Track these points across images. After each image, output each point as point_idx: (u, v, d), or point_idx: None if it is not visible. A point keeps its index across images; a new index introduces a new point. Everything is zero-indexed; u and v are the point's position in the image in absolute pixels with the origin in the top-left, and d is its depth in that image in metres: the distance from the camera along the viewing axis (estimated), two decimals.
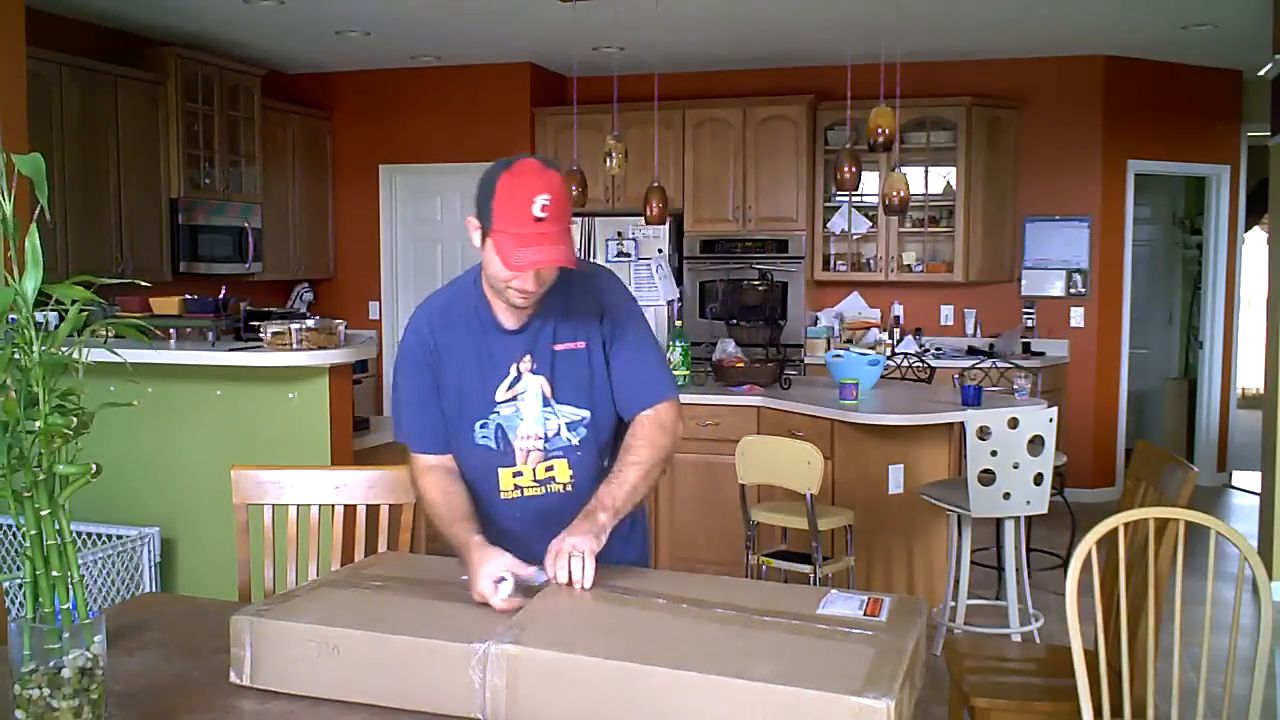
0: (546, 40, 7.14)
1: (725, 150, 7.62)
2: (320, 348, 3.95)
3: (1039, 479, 4.19)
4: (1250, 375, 8.68)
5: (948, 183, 7.46)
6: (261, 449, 4.00)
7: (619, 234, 7.57)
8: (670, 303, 7.15)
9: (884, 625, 1.71)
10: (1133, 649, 2.32)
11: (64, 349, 1.52)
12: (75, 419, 1.50)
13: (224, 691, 1.74)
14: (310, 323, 4.01)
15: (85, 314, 1.54)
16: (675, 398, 2.22)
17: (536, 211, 1.91)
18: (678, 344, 5.38)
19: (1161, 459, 2.70)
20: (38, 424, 1.47)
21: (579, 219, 7.54)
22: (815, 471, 4.01)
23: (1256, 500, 6.20)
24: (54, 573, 1.52)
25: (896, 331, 7.74)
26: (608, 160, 6.02)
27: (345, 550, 2.56)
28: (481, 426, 2.16)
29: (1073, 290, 7.61)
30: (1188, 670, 3.82)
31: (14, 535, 4.12)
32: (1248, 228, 8.41)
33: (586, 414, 2.17)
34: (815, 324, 7.81)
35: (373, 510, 2.57)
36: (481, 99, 7.93)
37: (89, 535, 4.10)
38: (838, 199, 7.59)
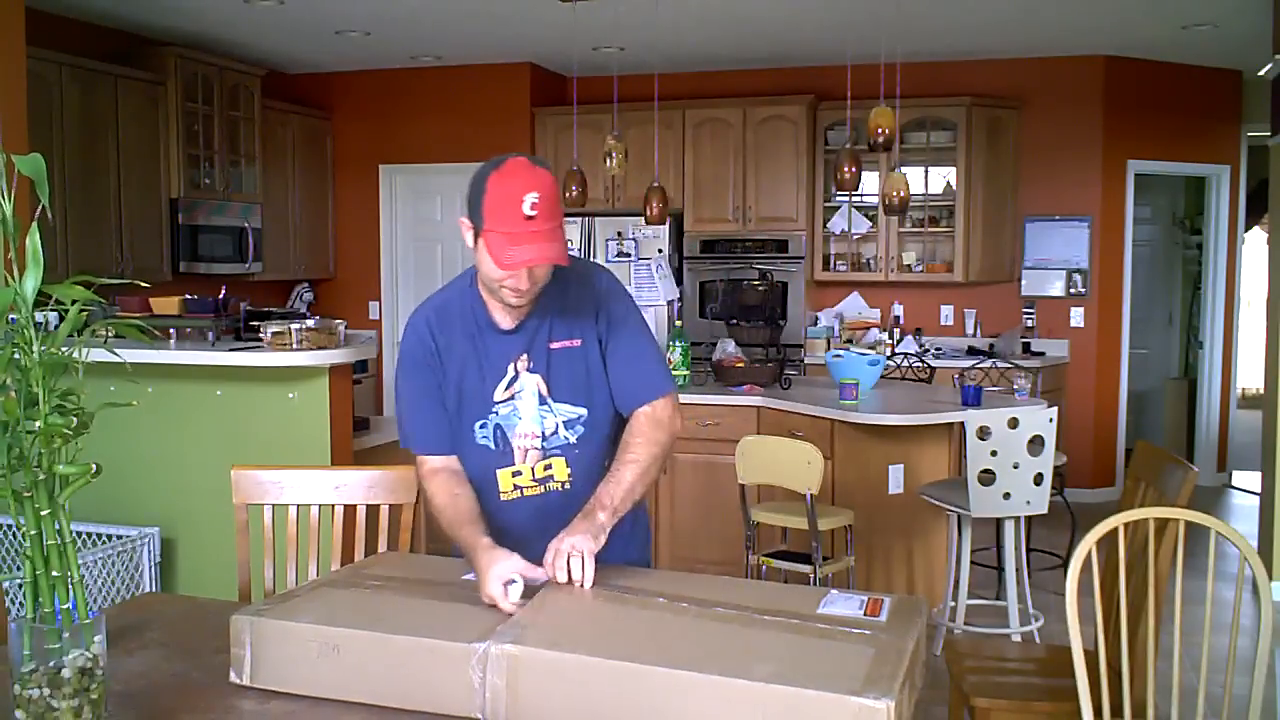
0: (546, 40, 7.13)
1: (725, 150, 7.62)
2: (320, 348, 3.95)
3: (1039, 479, 4.19)
4: (1250, 375, 8.68)
5: (948, 183, 7.46)
6: (261, 449, 4.00)
7: (619, 234, 7.56)
8: (670, 303, 7.16)
9: (884, 625, 1.71)
10: (1133, 649, 2.32)
11: (64, 349, 1.52)
12: (75, 419, 1.50)
13: (224, 691, 1.74)
14: (310, 323, 4.01)
15: (85, 314, 1.54)
16: (672, 392, 2.22)
17: (526, 210, 1.91)
18: (678, 344, 5.37)
19: (1161, 459, 2.70)
20: (38, 424, 1.47)
21: (580, 219, 7.54)
22: (815, 471, 4.01)
23: (1256, 500, 6.20)
24: (54, 573, 1.52)
25: (896, 331, 7.74)
26: (608, 160, 6.02)
27: (345, 550, 2.56)
28: (481, 427, 2.16)
29: (1073, 290, 7.61)
30: (1188, 670, 3.81)
31: (14, 535, 4.12)
32: (1248, 228, 8.41)
33: (583, 412, 2.17)
34: (815, 324, 7.81)
35: (373, 510, 2.57)
36: (481, 99, 7.92)
37: (89, 535, 4.10)
38: (838, 199, 7.58)
